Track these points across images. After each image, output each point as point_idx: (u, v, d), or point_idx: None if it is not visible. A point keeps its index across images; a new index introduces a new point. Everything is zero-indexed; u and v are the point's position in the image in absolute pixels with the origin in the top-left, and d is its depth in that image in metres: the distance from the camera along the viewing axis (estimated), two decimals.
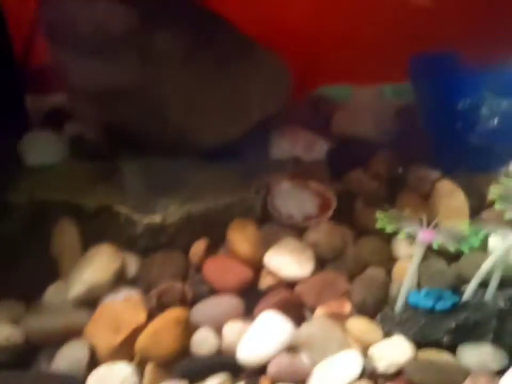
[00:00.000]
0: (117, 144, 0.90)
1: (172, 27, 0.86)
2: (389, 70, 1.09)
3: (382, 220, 0.66)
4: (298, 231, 0.78)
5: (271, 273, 0.72)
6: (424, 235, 0.65)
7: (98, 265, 0.69)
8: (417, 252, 0.65)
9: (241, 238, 0.75)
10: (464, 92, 0.83)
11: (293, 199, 0.82)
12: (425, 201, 0.81)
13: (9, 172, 0.81)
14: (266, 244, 0.75)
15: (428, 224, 0.67)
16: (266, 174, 0.87)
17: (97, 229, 0.77)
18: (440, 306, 0.64)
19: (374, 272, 0.71)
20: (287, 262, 0.72)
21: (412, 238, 0.68)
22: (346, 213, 0.80)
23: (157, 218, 0.75)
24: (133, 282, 0.72)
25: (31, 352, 0.64)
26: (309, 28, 1.11)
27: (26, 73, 0.96)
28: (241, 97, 0.90)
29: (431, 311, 0.64)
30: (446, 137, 0.84)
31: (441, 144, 0.85)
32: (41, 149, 0.87)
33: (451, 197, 0.77)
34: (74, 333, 0.64)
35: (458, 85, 0.84)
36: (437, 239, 0.64)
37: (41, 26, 0.84)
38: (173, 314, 0.65)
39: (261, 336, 0.64)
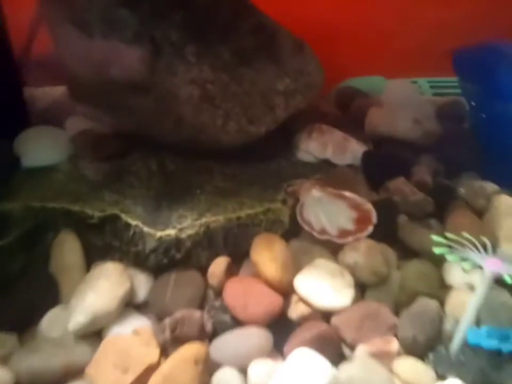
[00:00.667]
0: (127, 142, 0.81)
1: (185, 11, 0.76)
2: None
3: (439, 245, 0.56)
4: (332, 248, 0.68)
5: (302, 300, 0.62)
6: (490, 265, 0.55)
7: (104, 288, 0.59)
8: (482, 285, 0.55)
9: (267, 256, 0.65)
10: None
11: (325, 211, 0.71)
12: (480, 218, 0.70)
13: (3, 175, 0.70)
14: (296, 263, 0.66)
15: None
16: (295, 180, 0.77)
17: (102, 242, 0.67)
18: (508, 347, 0.54)
19: (425, 304, 0.61)
20: (321, 288, 0.62)
21: (474, 266, 0.58)
22: (387, 228, 0.70)
23: (171, 232, 0.66)
24: (143, 307, 0.63)
25: None
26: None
27: (26, 64, 0.86)
28: (266, 91, 0.80)
29: (495, 352, 0.55)
30: (501, 143, 0.73)
31: (495, 151, 0.73)
32: (41, 147, 0.77)
33: None
34: (74, 372, 0.55)
35: None
36: (507, 270, 0.54)
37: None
38: (190, 350, 0.56)
39: (294, 378, 0.54)
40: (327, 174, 0.80)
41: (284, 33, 0.86)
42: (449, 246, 0.56)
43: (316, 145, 0.84)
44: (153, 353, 0.55)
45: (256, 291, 0.62)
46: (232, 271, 0.66)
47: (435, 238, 0.57)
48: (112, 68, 0.71)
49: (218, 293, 0.64)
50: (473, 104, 0.78)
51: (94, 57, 0.72)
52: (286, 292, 0.63)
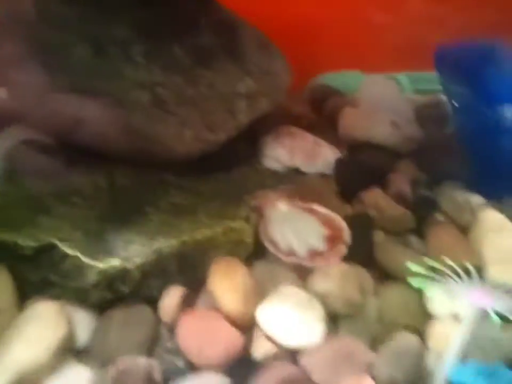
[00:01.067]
0: (73, 154, 0.72)
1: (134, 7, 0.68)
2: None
3: (417, 275, 0.49)
4: (301, 272, 0.61)
5: (266, 336, 0.54)
6: (476, 297, 0.48)
7: (35, 335, 0.51)
8: (467, 320, 0.49)
9: (226, 286, 0.57)
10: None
11: (293, 228, 0.64)
12: (465, 235, 0.63)
13: None
14: (261, 291, 0.58)
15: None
16: (259, 192, 0.69)
17: (39, 276, 0.58)
18: None
19: (404, 338, 0.53)
20: (288, 322, 0.54)
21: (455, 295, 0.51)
22: (362, 248, 0.63)
23: (115, 262, 0.57)
24: (86, 353, 0.54)
25: None
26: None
27: None
28: (226, 94, 0.72)
29: None
30: (487, 151, 0.65)
31: (481, 159, 0.66)
32: None
33: (500, 234, 0.59)
34: None
35: (503, 82, 0.65)
36: (494, 305, 0.47)
37: None
38: None
39: None
40: (295, 183, 0.72)
41: (247, 29, 0.78)
42: (429, 276, 0.49)
43: (284, 151, 0.77)
44: None
45: (213, 328, 0.54)
46: (189, 302, 0.59)
47: (412, 267, 0.50)
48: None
49: (172, 329, 0.56)
50: (457, 106, 0.70)
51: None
52: (249, 326, 0.56)
